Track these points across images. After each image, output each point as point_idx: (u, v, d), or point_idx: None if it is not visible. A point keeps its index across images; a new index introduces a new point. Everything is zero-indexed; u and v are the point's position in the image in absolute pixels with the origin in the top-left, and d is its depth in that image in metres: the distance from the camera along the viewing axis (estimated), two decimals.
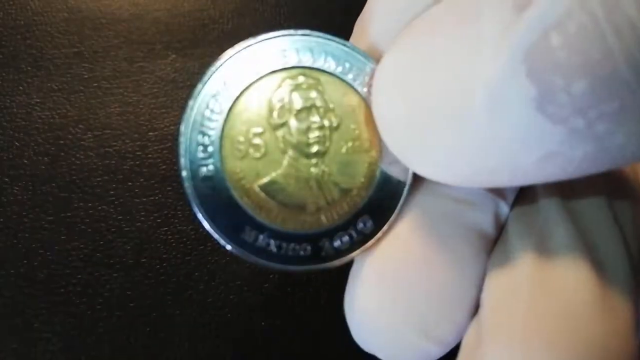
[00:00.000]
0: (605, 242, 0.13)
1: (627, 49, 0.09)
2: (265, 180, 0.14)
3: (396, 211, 0.14)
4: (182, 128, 0.13)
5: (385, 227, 0.14)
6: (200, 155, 0.14)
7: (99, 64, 0.26)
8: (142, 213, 0.23)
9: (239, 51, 0.14)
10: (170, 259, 0.23)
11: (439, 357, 0.14)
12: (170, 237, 0.23)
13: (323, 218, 0.14)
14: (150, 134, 0.24)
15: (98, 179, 0.24)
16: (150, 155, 0.24)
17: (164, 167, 0.24)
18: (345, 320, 0.22)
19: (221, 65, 0.14)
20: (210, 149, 0.14)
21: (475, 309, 0.14)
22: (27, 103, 0.25)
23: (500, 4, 0.10)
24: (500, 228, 0.14)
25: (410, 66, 0.11)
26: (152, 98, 0.25)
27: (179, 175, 0.14)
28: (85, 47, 0.26)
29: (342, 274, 0.23)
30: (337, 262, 0.14)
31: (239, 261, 0.23)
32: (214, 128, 0.14)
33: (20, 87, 0.26)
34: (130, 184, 0.24)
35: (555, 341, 0.12)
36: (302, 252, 0.14)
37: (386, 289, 0.13)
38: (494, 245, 0.14)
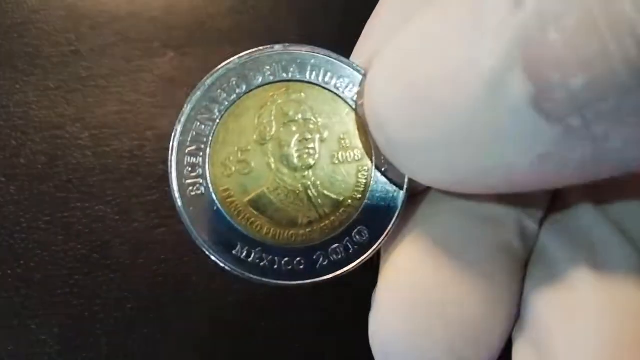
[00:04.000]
0: None
1: (624, 47, 0.08)
2: (253, 195, 0.14)
3: (394, 220, 0.14)
4: (172, 150, 0.14)
5: (383, 237, 0.14)
6: (190, 175, 0.14)
7: (96, 62, 0.26)
8: (140, 213, 0.23)
9: (223, 69, 0.14)
10: (168, 259, 0.23)
11: None
12: (167, 237, 0.23)
13: (316, 231, 0.14)
14: (148, 133, 0.24)
15: (95, 178, 0.24)
16: (147, 155, 0.24)
17: (161, 166, 0.24)
18: (345, 320, 0.22)
19: (206, 84, 0.14)
20: (199, 169, 0.14)
21: (509, 332, 0.13)
22: (24, 102, 0.25)
23: None
24: (529, 246, 0.14)
25: (408, 55, 0.11)
26: (149, 97, 0.25)
27: (170, 196, 0.14)
28: (83, 46, 0.26)
29: (342, 276, 0.23)
30: (334, 275, 0.14)
31: None
32: (201, 148, 0.14)
33: (17, 86, 0.25)
34: (127, 183, 0.24)
35: None
36: (296, 267, 0.14)
37: (420, 317, 0.13)
38: (525, 264, 0.14)
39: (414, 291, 0.13)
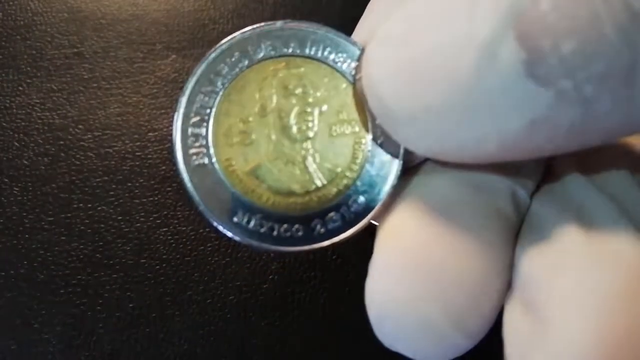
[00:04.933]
0: None
1: (613, 12, 0.09)
2: (253, 165, 0.14)
3: (388, 189, 0.14)
4: (176, 120, 0.14)
5: (378, 206, 0.14)
6: (194, 145, 0.14)
7: (99, 64, 0.26)
8: (142, 214, 0.23)
9: (227, 44, 0.15)
10: (170, 259, 0.23)
11: (464, 351, 0.13)
12: (170, 237, 0.23)
13: (314, 200, 0.14)
14: (150, 134, 0.24)
15: (98, 179, 0.24)
16: (150, 156, 0.24)
17: (163, 167, 0.24)
18: (344, 320, 0.22)
19: (210, 58, 0.15)
20: (202, 140, 0.14)
21: (503, 300, 0.13)
22: (27, 103, 0.25)
23: None
24: (521, 214, 0.14)
25: (406, 29, 0.12)
26: (152, 98, 0.25)
27: (175, 165, 0.14)
28: (85, 48, 0.26)
29: (341, 275, 0.23)
30: (330, 242, 0.14)
31: (238, 262, 0.23)
32: (205, 120, 0.14)
33: (20, 88, 0.25)
34: (130, 184, 0.24)
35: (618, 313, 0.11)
36: (294, 234, 0.14)
37: (417, 281, 0.12)
38: (516, 232, 0.14)
39: (410, 255, 0.13)
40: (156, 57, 0.26)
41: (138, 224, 0.23)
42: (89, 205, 0.24)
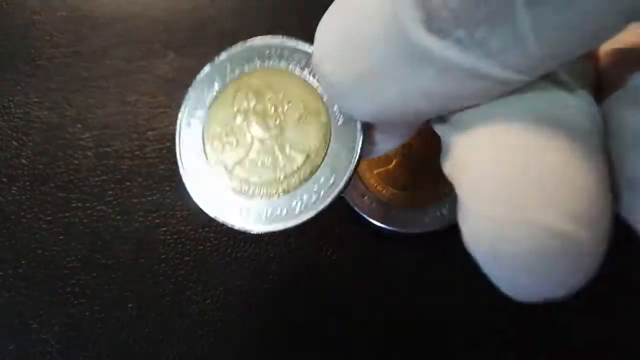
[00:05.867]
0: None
1: None
2: (241, 161, 0.18)
3: (353, 163, 0.17)
4: (177, 136, 0.18)
5: (347, 176, 0.17)
6: (191, 154, 0.18)
7: (98, 63, 0.26)
8: (141, 213, 0.23)
9: (206, 71, 0.18)
10: (169, 259, 0.23)
11: (600, 261, 0.12)
12: (168, 237, 0.23)
13: (291, 182, 0.17)
14: (149, 133, 0.24)
15: (96, 178, 0.24)
16: (148, 155, 0.24)
17: (162, 166, 0.24)
18: (344, 319, 0.22)
19: (194, 83, 0.18)
20: (198, 149, 0.18)
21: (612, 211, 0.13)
22: (26, 102, 0.25)
23: None
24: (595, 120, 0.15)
25: (336, 10, 0.14)
26: (150, 97, 0.25)
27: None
28: (84, 47, 0.26)
29: (340, 275, 0.23)
30: (310, 216, 0.17)
31: (237, 261, 0.23)
32: (197, 134, 0.18)
33: (19, 87, 0.25)
34: (128, 183, 0.24)
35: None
36: (279, 214, 0.17)
37: (521, 190, 0.12)
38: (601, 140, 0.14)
39: (509, 178, 0.13)
40: (155, 56, 0.26)
41: (137, 224, 0.23)
42: (88, 205, 0.24)
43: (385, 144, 0.17)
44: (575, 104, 0.14)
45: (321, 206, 0.17)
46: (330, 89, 0.14)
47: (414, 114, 0.14)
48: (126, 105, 0.25)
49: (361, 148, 0.17)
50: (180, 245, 0.23)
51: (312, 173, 0.17)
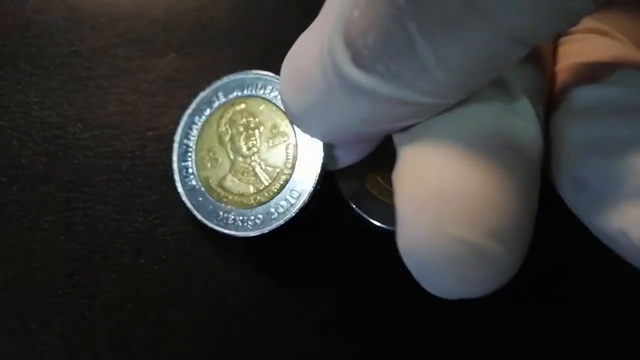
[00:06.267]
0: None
1: (390, 10, 0.12)
2: (221, 178, 0.22)
3: (316, 177, 0.20)
4: (174, 158, 0.22)
5: (312, 187, 0.20)
6: (185, 174, 0.22)
7: (98, 62, 0.26)
8: (141, 213, 0.23)
9: (199, 97, 0.22)
10: (169, 259, 0.23)
11: (512, 272, 0.14)
12: (168, 237, 0.23)
13: (265, 195, 0.21)
14: (149, 133, 0.24)
15: (97, 178, 0.24)
16: (149, 155, 0.24)
17: (162, 166, 0.24)
18: (343, 320, 0.22)
19: (185, 114, 0.22)
20: (190, 170, 0.22)
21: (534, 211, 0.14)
22: (26, 102, 0.25)
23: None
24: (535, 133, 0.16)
25: (291, 52, 0.16)
26: (151, 97, 0.25)
27: (175, 189, 0.22)
28: (84, 46, 0.26)
29: (339, 276, 0.23)
30: (283, 222, 0.20)
31: (237, 261, 0.23)
32: (190, 156, 0.22)
33: (19, 86, 0.25)
34: (128, 183, 0.24)
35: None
36: (256, 221, 0.21)
37: (442, 206, 0.13)
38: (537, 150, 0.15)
39: (429, 186, 0.14)
40: (155, 55, 0.26)
41: (137, 224, 0.23)
42: (88, 205, 0.24)
43: (346, 159, 0.19)
44: (520, 120, 0.15)
45: (291, 214, 0.20)
46: (290, 116, 0.17)
47: (358, 135, 0.16)
48: (126, 104, 0.25)
49: (323, 164, 0.20)
50: (180, 246, 0.23)
51: (282, 187, 0.20)
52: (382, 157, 0.23)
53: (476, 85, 0.14)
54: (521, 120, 0.15)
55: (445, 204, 0.13)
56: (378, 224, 0.22)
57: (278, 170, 0.21)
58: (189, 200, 0.22)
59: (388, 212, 0.22)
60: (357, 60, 0.13)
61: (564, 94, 0.16)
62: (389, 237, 0.22)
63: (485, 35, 0.12)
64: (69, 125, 0.25)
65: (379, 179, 0.23)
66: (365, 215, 0.22)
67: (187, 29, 0.26)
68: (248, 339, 0.22)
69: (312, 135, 0.18)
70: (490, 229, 0.13)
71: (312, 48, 0.15)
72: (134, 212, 0.23)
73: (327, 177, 0.20)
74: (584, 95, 0.15)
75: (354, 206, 0.22)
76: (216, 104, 0.22)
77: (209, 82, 0.22)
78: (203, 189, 0.21)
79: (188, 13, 0.26)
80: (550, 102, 0.17)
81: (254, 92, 0.21)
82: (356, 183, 0.23)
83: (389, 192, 0.23)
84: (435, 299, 0.22)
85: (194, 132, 0.22)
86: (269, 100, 0.21)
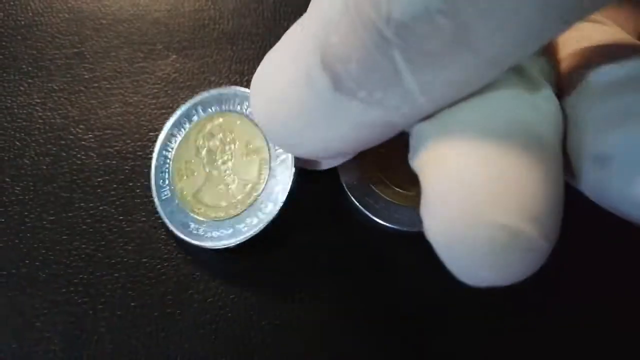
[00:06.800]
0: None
1: (373, 38, 0.12)
2: (195, 190, 0.22)
3: (286, 194, 0.21)
4: (152, 169, 0.23)
5: (281, 202, 0.21)
6: (161, 184, 0.23)
7: (100, 64, 0.26)
8: (143, 213, 0.24)
9: (180, 111, 0.23)
10: (171, 258, 0.23)
11: (546, 254, 0.13)
12: (170, 237, 0.23)
13: (236, 207, 0.21)
14: (151, 134, 0.25)
15: (99, 179, 0.24)
16: (151, 156, 0.24)
17: None
18: (344, 319, 0.22)
19: (165, 126, 0.23)
20: (166, 180, 0.23)
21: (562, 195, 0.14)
22: (28, 103, 0.25)
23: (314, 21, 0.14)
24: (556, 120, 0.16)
25: (262, 76, 0.16)
26: (152, 98, 0.25)
27: (152, 199, 0.23)
28: (86, 48, 0.26)
29: (339, 276, 0.23)
30: (252, 234, 0.21)
31: (238, 261, 0.23)
32: (167, 167, 0.23)
33: (21, 88, 0.26)
34: (131, 184, 0.24)
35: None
36: (227, 233, 0.21)
37: (473, 195, 0.13)
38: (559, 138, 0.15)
39: (467, 179, 0.13)
40: (157, 57, 0.26)
41: (139, 224, 0.23)
42: (91, 205, 0.24)
43: (328, 164, 0.20)
44: (542, 106, 0.15)
45: (260, 226, 0.21)
46: (268, 136, 0.17)
47: (339, 153, 0.16)
48: (128, 106, 0.25)
49: (293, 181, 0.21)
50: (182, 245, 0.23)
51: (253, 201, 0.21)
52: (387, 156, 0.24)
53: (458, 99, 0.14)
54: (545, 104, 0.15)
55: (477, 189, 0.13)
56: (384, 223, 0.22)
57: (250, 185, 0.21)
58: (163, 210, 0.22)
59: (393, 210, 0.23)
60: (338, 85, 0.13)
61: (577, 77, 0.16)
62: (389, 234, 0.23)
63: (470, 64, 0.12)
64: (71, 126, 0.25)
65: (383, 178, 0.23)
66: (371, 215, 0.22)
67: (188, 30, 0.26)
68: (250, 338, 0.22)
69: (295, 154, 0.18)
70: (525, 211, 0.13)
71: (286, 69, 0.15)
72: (137, 212, 0.24)
73: (301, 190, 0.21)
74: (601, 74, 0.15)
75: (358, 205, 0.23)
76: (195, 118, 0.22)
77: (209, 84, 0.23)
78: (177, 199, 0.22)
79: (189, 15, 0.27)
80: (559, 88, 0.16)
81: (231, 108, 0.22)
82: (362, 183, 0.23)
83: (393, 191, 0.23)
84: (436, 299, 0.22)
85: (173, 144, 0.22)
86: (246, 116, 0.22)
